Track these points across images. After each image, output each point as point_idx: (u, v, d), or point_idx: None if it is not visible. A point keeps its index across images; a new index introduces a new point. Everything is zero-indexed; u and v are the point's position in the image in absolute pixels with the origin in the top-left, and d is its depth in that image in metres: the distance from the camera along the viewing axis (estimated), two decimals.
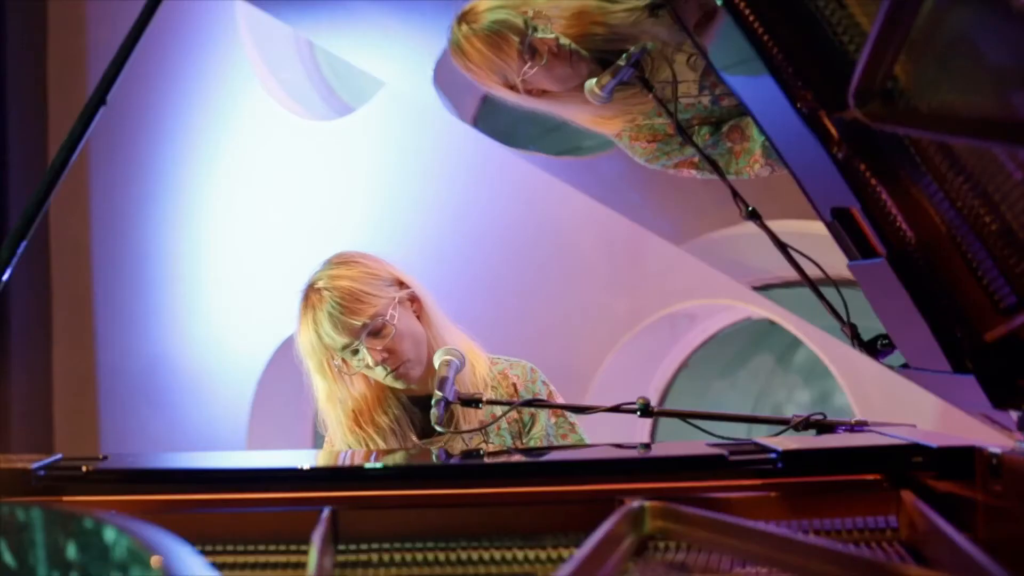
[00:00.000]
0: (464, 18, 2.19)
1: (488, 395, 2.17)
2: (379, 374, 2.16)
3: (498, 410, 2.19)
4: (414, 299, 2.22)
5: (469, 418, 2.17)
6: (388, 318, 2.14)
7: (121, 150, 5.41)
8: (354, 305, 2.13)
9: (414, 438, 2.18)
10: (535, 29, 2.15)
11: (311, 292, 2.19)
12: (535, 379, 2.31)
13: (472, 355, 2.23)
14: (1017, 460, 1.41)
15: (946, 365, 1.44)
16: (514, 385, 2.27)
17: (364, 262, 2.21)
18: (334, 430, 2.25)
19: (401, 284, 2.22)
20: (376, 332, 2.14)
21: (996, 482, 1.44)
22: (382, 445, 2.20)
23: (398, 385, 2.18)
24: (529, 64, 2.16)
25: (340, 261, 2.22)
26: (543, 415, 2.24)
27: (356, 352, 2.16)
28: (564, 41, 2.14)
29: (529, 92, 2.22)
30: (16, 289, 5.21)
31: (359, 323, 2.13)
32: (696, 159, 2.27)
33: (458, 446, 2.19)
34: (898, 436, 1.64)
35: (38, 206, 1.85)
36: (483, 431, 2.19)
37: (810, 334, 4.11)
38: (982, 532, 1.46)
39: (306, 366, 2.24)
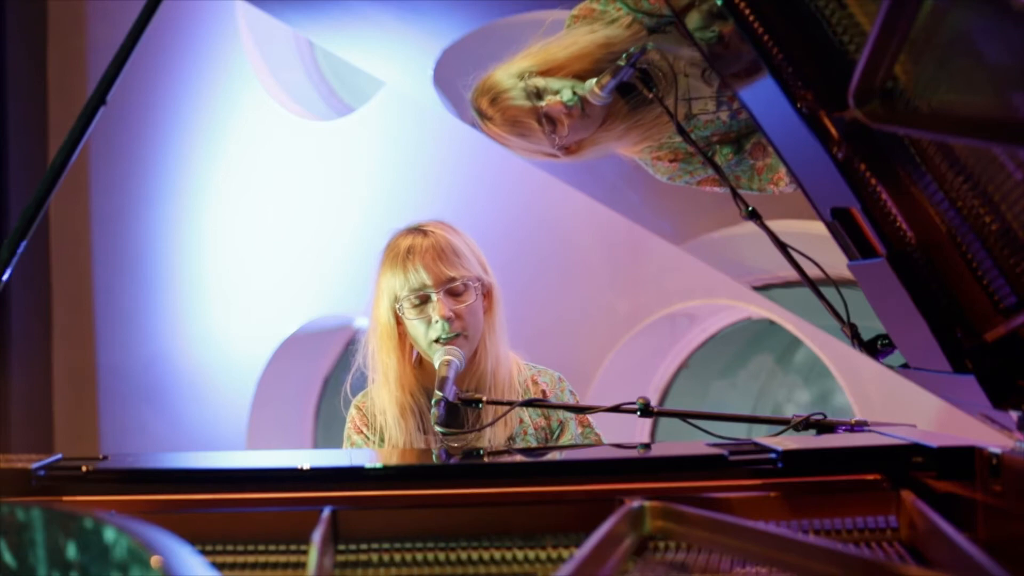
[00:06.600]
0: (480, 113, 2.27)
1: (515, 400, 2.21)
2: (435, 331, 2.20)
3: (525, 415, 2.24)
4: (489, 295, 2.29)
5: (496, 424, 2.20)
6: (472, 286, 2.23)
7: (121, 150, 5.41)
8: (451, 257, 2.23)
9: (436, 430, 2.16)
10: (538, 96, 2.19)
11: (415, 232, 2.27)
12: (563, 388, 2.36)
13: (512, 363, 2.31)
14: (1017, 460, 1.41)
15: (946, 365, 1.44)
16: (543, 392, 2.33)
17: (467, 236, 2.33)
18: (378, 379, 2.27)
19: (487, 273, 2.31)
20: (455, 293, 2.22)
21: (996, 482, 1.44)
22: (409, 425, 2.23)
23: (439, 356, 2.19)
24: (552, 132, 2.22)
25: (448, 224, 2.32)
26: (572, 424, 2.30)
27: (426, 300, 2.21)
28: (567, 97, 2.18)
29: (568, 151, 2.29)
30: (16, 289, 5.21)
31: (446, 274, 2.21)
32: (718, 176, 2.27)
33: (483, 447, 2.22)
34: (898, 436, 1.64)
35: (38, 206, 1.85)
36: (510, 438, 2.24)
37: (810, 334, 4.11)
38: (982, 532, 1.46)
39: (373, 317, 2.28)
